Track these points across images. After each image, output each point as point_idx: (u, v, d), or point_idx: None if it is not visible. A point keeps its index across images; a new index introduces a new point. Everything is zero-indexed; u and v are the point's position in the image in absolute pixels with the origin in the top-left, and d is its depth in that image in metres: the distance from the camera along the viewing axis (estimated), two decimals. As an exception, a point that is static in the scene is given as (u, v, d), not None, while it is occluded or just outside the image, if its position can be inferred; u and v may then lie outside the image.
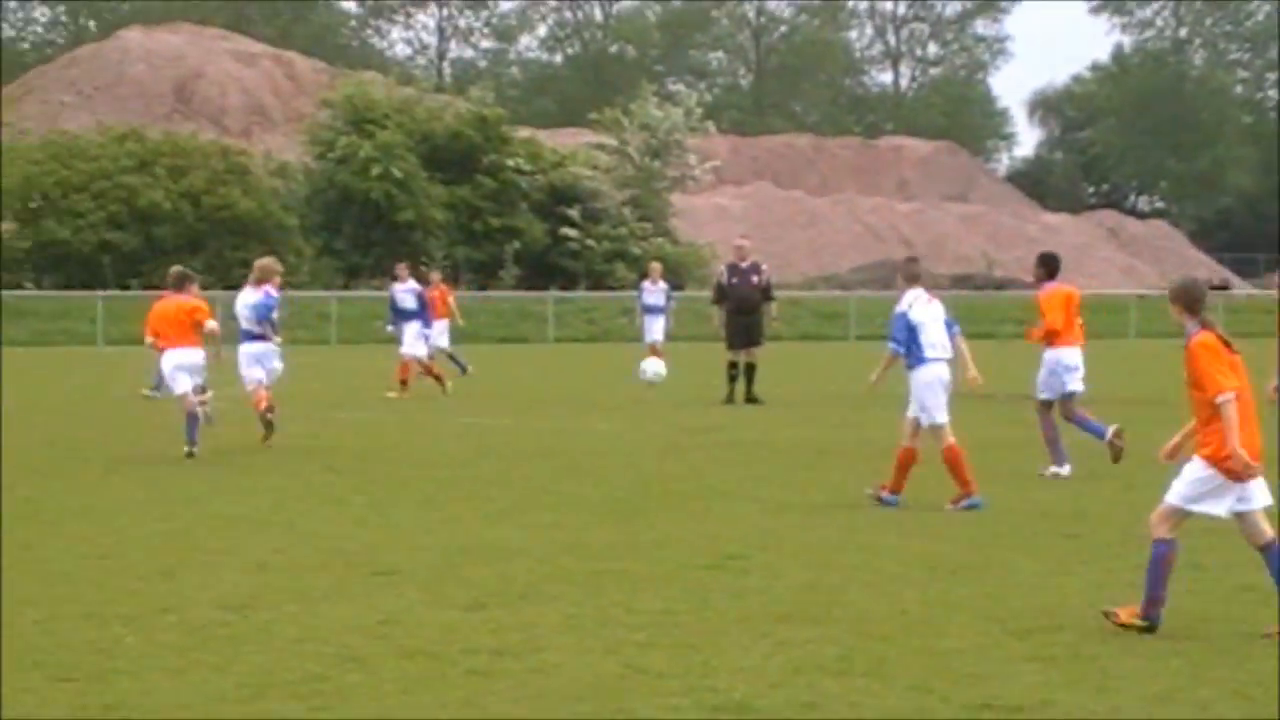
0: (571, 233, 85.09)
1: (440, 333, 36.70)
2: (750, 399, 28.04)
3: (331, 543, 12.60)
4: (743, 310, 28.47)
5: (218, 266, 77.82)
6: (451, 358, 36.68)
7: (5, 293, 62.75)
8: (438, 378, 31.18)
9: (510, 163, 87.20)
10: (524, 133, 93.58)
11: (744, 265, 28.92)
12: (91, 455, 19.50)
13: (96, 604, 10.09)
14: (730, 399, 28.17)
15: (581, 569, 11.53)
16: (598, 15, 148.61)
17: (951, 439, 14.83)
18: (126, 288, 70.14)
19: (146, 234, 79.39)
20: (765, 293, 28.84)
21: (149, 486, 16.22)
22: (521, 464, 18.55)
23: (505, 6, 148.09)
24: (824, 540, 12.93)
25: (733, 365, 28.46)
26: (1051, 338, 17.64)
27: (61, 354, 49.90)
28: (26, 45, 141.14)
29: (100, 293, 66.84)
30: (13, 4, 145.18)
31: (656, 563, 11.84)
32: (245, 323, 21.83)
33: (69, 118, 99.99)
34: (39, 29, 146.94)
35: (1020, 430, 19.90)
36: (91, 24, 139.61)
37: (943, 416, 14.92)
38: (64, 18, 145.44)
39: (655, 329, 39.64)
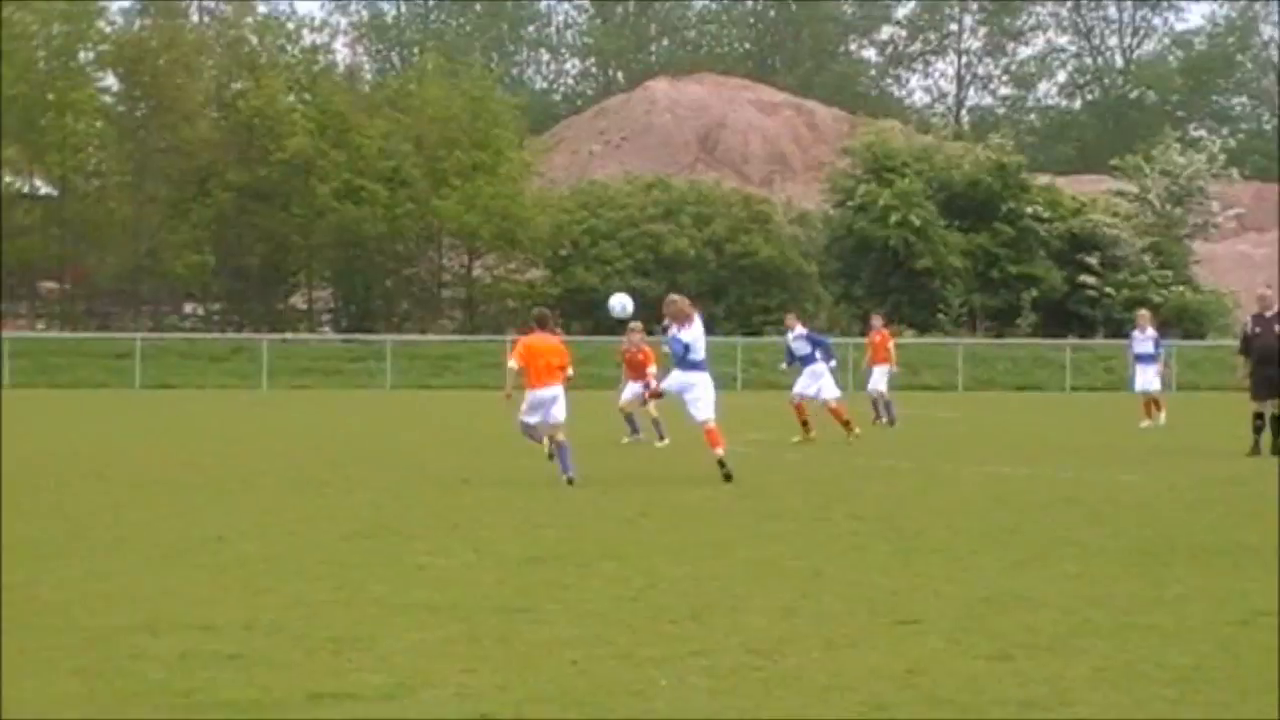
0: (1090, 280, 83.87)
1: (879, 378, 36.90)
2: (1277, 450, 27.23)
3: (856, 590, 12.64)
4: (1267, 360, 27.72)
5: (739, 312, 79.04)
6: (878, 403, 36.88)
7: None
8: (846, 424, 31.08)
9: (1029, 210, 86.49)
10: (1043, 179, 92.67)
11: (1268, 315, 28.17)
12: (621, 499, 19.97)
13: (630, 645, 10.31)
14: (1256, 450, 27.41)
15: (1108, 621, 11.33)
16: (1118, 61, 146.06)
17: None
18: (650, 333, 71.66)
19: (671, 280, 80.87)
20: (1290, 342, 28.01)
21: (676, 531, 16.53)
22: (1041, 513, 18.34)
23: (1024, 53, 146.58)
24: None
25: (1258, 416, 27.72)
26: None
27: (584, 397, 51.05)
28: (558, 97, 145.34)
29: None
30: (546, 56, 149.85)
31: (1184, 617, 11.56)
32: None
33: (597, 167, 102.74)
34: (570, 81, 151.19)
35: None
36: (620, 75, 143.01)
37: None
38: (594, 70, 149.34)
39: (1147, 377, 38.86)
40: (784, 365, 33.06)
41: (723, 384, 55.76)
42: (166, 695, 8.72)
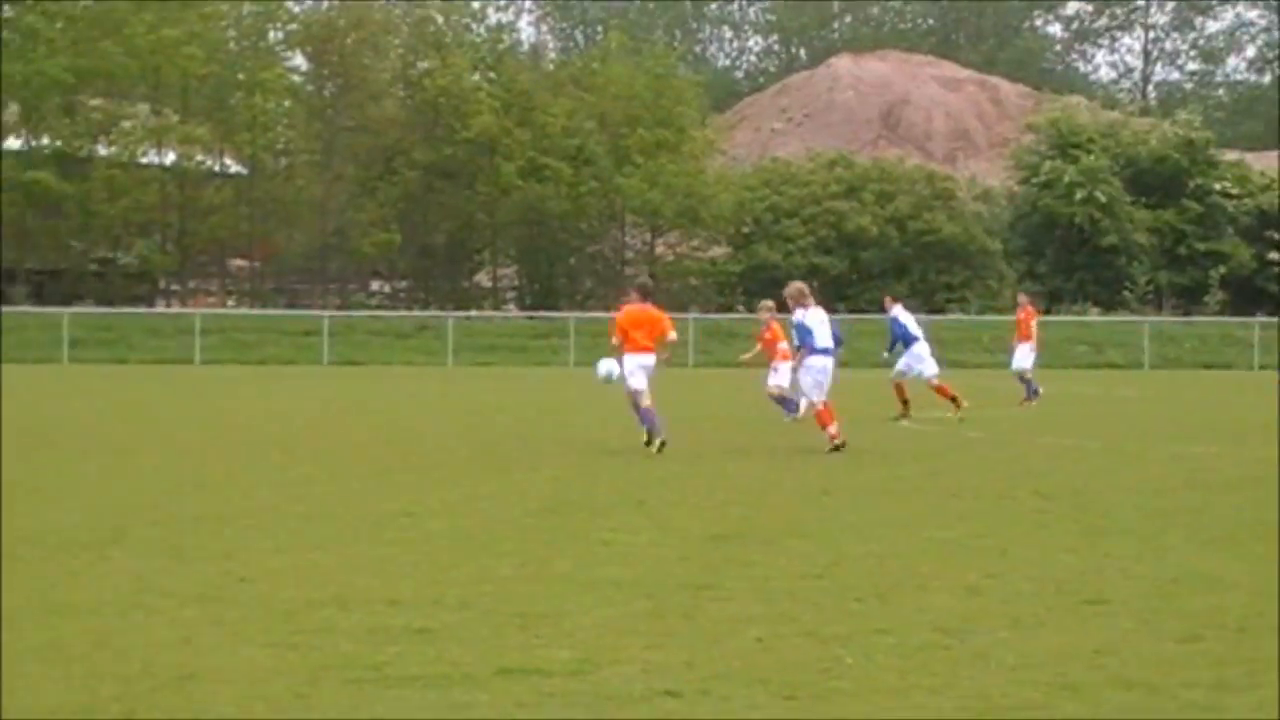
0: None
1: (1024, 355, 36.69)
2: None
3: (1043, 569, 12.51)
4: None
5: (922, 290, 78.58)
6: (1022, 379, 36.66)
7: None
8: (953, 399, 31.00)
9: (1217, 186, 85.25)
10: (1231, 155, 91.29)
11: None
12: (803, 477, 19.95)
13: (815, 623, 10.27)
14: None
15: (1301, 604, 11.14)
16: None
17: None
18: (834, 311, 71.44)
19: (853, 258, 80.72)
20: None
21: (859, 509, 16.46)
22: (1229, 493, 18.07)
23: (1212, 27, 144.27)
24: None
25: None
26: None
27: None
28: (740, 74, 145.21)
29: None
30: (729, 33, 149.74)
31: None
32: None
33: (779, 144, 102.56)
34: (752, 58, 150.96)
35: None
36: (802, 52, 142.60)
37: None
38: (776, 47, 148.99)
39: None
40: (886, 354, 32.77)
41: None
42: (356, 668, 8.81)
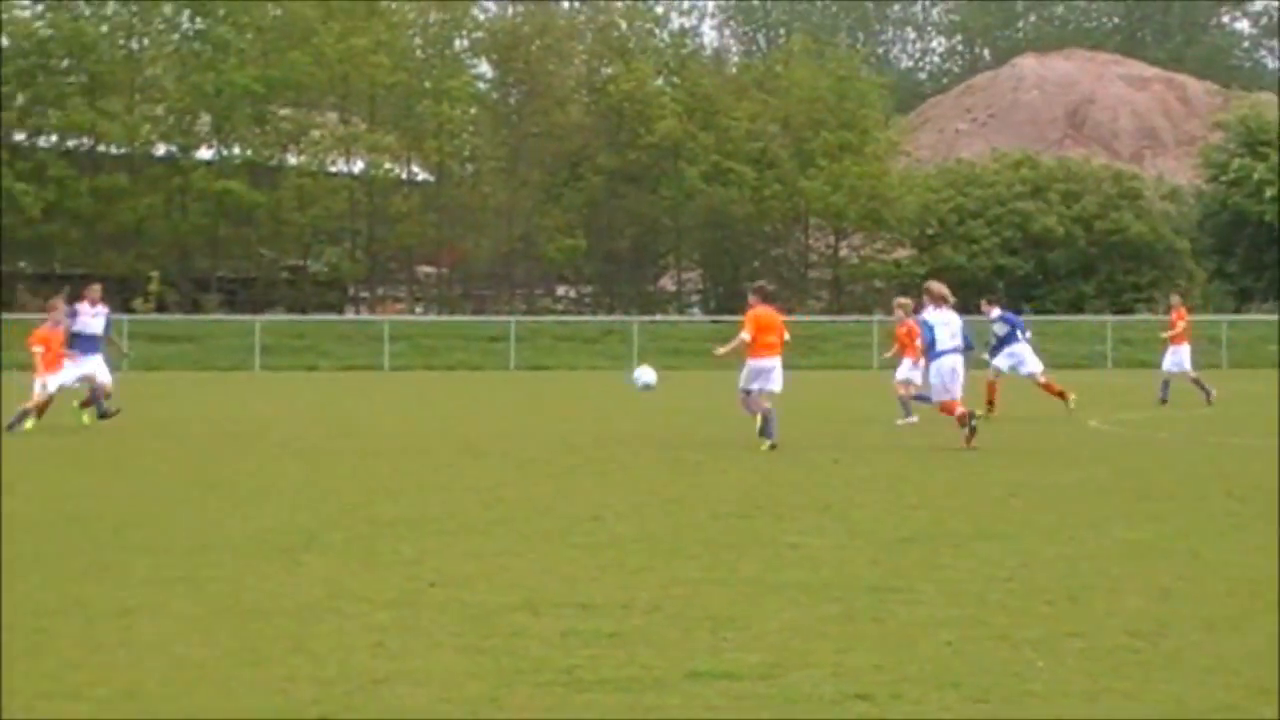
0: None
1: (1183, 358, 36.26)
2: None
3: (1236, 571, 12.33)
4: None
5: (1109, 290, 77.75)
6: (1200, 383, 36.19)
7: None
8: (1060, 394, 31.59)
9: None
10: None
11: None
12: (990, 479, 19.81)
13: (1006, 626, 10.20)
14: None
15: None
16: None
17: None
18: (1019, 312, 70.89)
19: (1039, 259, 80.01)
20: None
21: (1048, 511, 16.31)
22: None
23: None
24: None
25: None
26: None
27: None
28: (924, 75, 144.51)
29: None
30: (912, 34, 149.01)
31: None
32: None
33: (963, 145, 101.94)
34: (936, 59, 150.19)
35: None
36: (986, 52, 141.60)
37: None
38: (960, 47, 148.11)
39: None
40: (989, 357, 32.61)
41: (1094, 362, 54.98)
42: (548, 672, 8.87)
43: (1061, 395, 31.65)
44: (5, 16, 75.88)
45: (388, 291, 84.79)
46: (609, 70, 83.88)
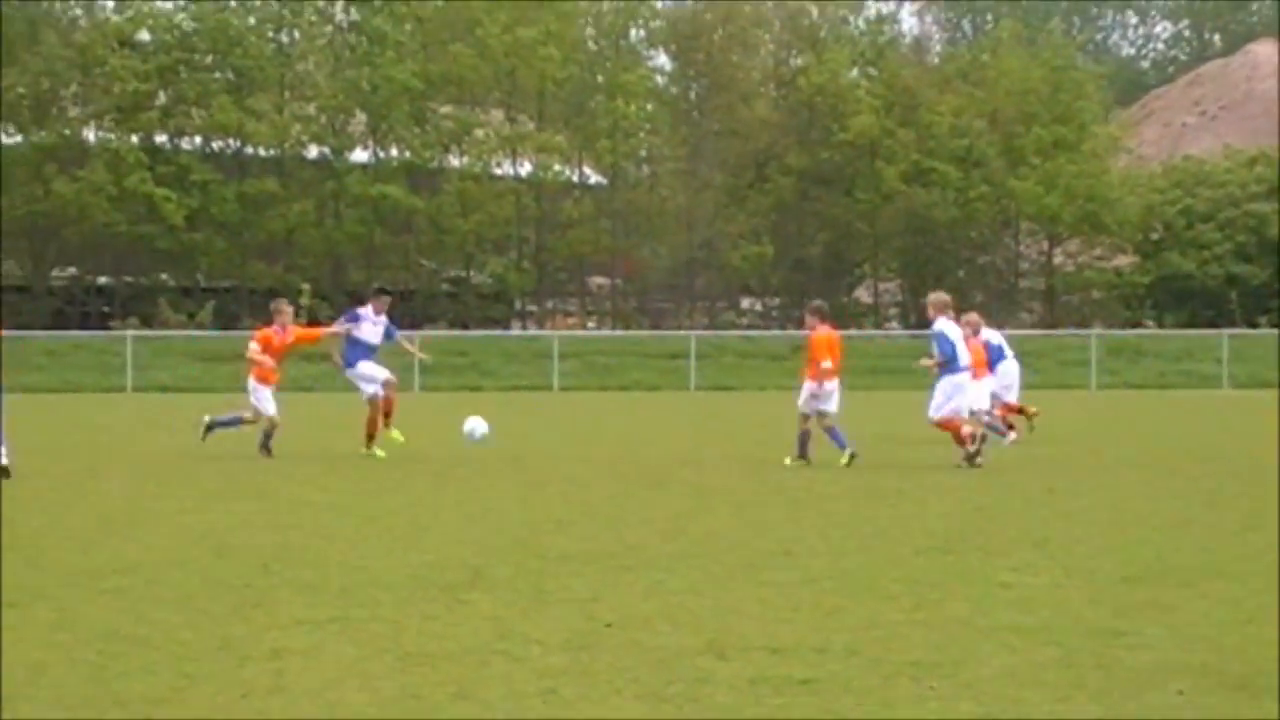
0: None
1: None
2: None
3: None
4: None
5: (1357, 301, 76.40)
6: None
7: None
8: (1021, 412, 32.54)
9: None
10: None
11: None
12: (1220, 513, 19.57)
13: (1244, 675, 10.00)
14: None
15: None
16: None
17: None
18: (1255, 325, 69.91)
19: (1277, 267, 78.83)
20: None
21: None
22: None
23: None
24: None
25: None
26: None
27: (1183, 397, 50.20)
28: (1147, 64, 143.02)
29: (1226, 331, 66.72)
30: (1134, 19, 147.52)
31: None
32: None
33: (1191, 141, 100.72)
34: (1160, 46, 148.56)
35: None
36: (1216, 39, 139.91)
37: None
38: (1187, 33, 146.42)
39: None
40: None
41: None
42: (736, 721, 8.86)
43: (1022, 411, 32.74)
44: (146, 9, 77.23)
45: (557, 305, 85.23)
46: (799, 61, 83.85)
